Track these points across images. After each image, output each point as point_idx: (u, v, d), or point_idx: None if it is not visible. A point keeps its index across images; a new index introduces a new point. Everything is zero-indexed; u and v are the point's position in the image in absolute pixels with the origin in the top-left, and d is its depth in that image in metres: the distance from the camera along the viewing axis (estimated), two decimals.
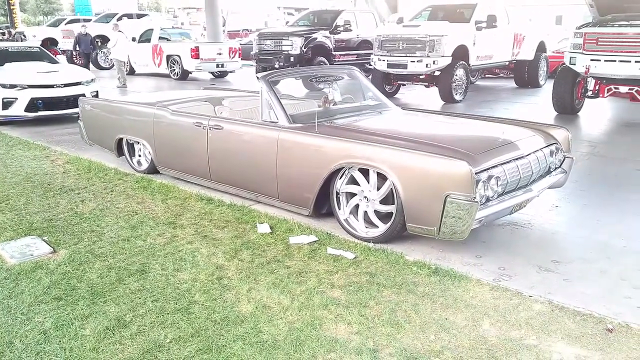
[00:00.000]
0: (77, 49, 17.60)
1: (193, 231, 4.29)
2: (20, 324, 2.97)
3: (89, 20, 22.57)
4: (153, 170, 5.88)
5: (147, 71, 17.63)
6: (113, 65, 15.17)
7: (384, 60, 11.45)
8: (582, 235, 4.27)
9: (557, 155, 4.43)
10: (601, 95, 9.30)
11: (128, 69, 16.80)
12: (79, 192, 5.34)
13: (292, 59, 13.36)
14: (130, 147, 6.18)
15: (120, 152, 6.26)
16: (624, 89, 8.96)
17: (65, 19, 24.63)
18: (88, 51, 17.58)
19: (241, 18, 30.85)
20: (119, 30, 14.81)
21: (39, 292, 3.31)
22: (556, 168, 4.45)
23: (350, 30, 14.36)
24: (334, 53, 13.89)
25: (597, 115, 10.02)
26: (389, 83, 12.34)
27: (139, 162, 6.11)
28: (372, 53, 12.12)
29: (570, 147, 4.60)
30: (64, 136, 8.18)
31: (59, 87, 9.15)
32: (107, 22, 19.70)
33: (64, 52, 20.23)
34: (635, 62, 8.33)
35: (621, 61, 8.51)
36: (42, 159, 6.68)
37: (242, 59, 17.43)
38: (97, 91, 9.75)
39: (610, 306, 3.14)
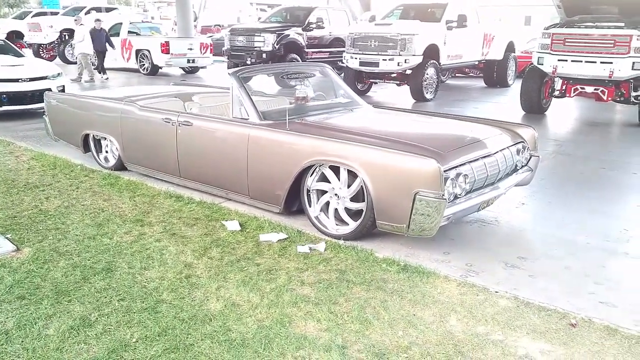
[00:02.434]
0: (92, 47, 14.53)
1: (161, 229, 4.23)
2: None
3: (56, 14, 21.97)
4: (120, 166, 5.77)
5: (115, 66, 17.25)
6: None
7: (356, 58, 11.49)
8: (548, 232, 4.36)
9: (524, 154, 4.51)
10: (568, 95, 9.52)
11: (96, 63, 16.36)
12: (44, 188, 5.20)
13: (264, 55, 13.29)
14: (97, 143, 6.05)
15: (86, 148, 6.12)
16: (589, 89, 9.20)
17: (32, 11, 23.94)
18: (103, 49, 14.74)
19: (213, 13, 30.57)
20: (81, 24, 14.37)
21: (1, 292, 3.21)
22: (523, 166, 4.53)
23: (323, 28, 14.37)
24: (306, 50, 13.87)
25: (564, 114, 10.25)
26: (361, 81, 12.40)
27: (105, 159, 5.99)
28: (344, 51, 12.15)
29: (537, 145, 4.69)
30: (29, 132, 7.96)
31: (24, 81, 8.90)
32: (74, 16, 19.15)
33: (30, 45, 19.67)
34: (601, 62, 8.56)
35: (587, 62, 8.73)
36: (6, 155, 6.49)
37: (213, 55, 17.24)
38: (63, 86, 9.52)
39: (574, 301, 3.22)
